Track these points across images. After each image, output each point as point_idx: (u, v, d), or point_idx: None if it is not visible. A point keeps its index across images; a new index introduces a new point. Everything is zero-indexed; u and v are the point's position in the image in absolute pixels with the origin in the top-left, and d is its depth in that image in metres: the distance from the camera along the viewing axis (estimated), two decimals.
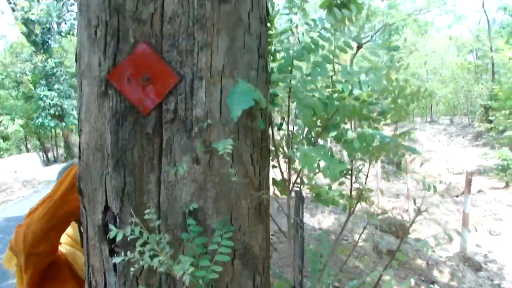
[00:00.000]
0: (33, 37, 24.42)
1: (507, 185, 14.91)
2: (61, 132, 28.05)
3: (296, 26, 1.47)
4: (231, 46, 1.37)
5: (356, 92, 1.26)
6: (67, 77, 26.14)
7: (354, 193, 1.58)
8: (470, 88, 27.41)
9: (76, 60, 1.54)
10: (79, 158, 1.51)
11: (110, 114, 1.37)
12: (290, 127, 1.46)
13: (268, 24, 1.55)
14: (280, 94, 1.59)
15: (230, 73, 1.36)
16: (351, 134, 1.33)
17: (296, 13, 1.52)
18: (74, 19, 28.04)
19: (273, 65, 1.57)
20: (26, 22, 22.62)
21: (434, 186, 1.34)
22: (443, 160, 20.22)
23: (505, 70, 21.79)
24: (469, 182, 8.64)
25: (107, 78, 1.36)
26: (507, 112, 19.41)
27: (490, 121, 21.83)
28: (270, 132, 1.46)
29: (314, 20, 1.48)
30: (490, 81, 25.79)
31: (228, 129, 1.34)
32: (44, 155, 29.34)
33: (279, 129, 1.54)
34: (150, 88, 1.34)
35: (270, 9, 1.58)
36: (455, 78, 28.37)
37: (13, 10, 22.24)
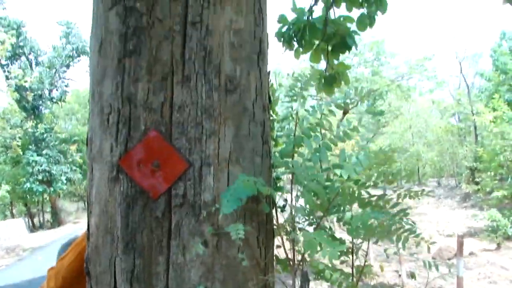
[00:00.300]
0: (24, 103, 24.76)
1: (498, 247, 14.88)
2: (48, 197, 27.68)
3: (297, 113, 1.58)
4: (237, 134, 1.46)
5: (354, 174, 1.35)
6: (56, 142, 26.22)
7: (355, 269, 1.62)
8: (455, 150, 27.98)
9: (86, 145, 1.62)
10: (88, 239, 1.55)
11: (121, 198, 1.43)
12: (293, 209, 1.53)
13: (270, 111, 1.67)
14: (283, 177, 1.68)
15: (236, 160, 1.45)
16: (349, 216, 1.40)
17: (296, 100, 1.63)
18: (66, 85, 28.62)
19: (275, 149, 1.66)
20: (19, 89, 23.01)
21: (436, 265, 1.40)
22: (433, 223, 20.21)
23: (487, 132, 22.39)
24: (460, 245, 8.64)
25: (118, 163, 1.44)
26: (492, 173, 19.76)
27: (477, 183, 22.13)
28: (274, 213, 1.53)
29: (313, 107, 1.59)
30: (473, 143, 26.42)
31: (235, 213, 1.40)
32: (30, 221, 28.73)
33: (282, 211, 1.61)
34: (160, 174, 1.41)
35: (271, 96, 1.70)
36: (440, 140, 29.01)
37: (7, 78, 22.66)
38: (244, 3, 1.57)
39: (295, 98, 1.62)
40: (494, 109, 21.55)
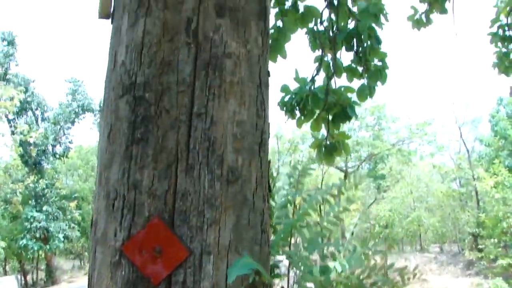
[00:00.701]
0: (26, 158, 24.94)
1: None
2: (43, 255, 27.15)
3: (294, 202, 1.65)
4: (237, 223, 1.52)
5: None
6: (56, 199, 26.12)
7: None
8: (457, 216, 27.67)
9: (91, 226, 1.67)
10: None
11: (122, 283, 1.46)
12: None
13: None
14: (280, 263, 1.72)
15: (236, 249, 1.49)
16: None
17: (294, 187, 1.70)
18: (70, 142, 28.94)
19: (273, 237, 1.72)
20: (23, 144, 23.26)
21: None
22: None
23: (488, 198, 22.31)
24: None
25: (121, 249, 1.48)
26: (495, 240, 19.52)
27: (480, 250, 21.77)
28: None
29: (310, 195, 1.66)
30: (475, 209, 26.19)
31: None
32: (23, 279, 28.01)
33: None
34: (161, 260, 1.46)
35: (271, 185, 1.77)
36: (442, 205, 28.78)
37: (13, 133, 22.98)
38: (247, 96, 1.67)
39: (293, 186, 1.69)
40: (495, 174, 21.61)
